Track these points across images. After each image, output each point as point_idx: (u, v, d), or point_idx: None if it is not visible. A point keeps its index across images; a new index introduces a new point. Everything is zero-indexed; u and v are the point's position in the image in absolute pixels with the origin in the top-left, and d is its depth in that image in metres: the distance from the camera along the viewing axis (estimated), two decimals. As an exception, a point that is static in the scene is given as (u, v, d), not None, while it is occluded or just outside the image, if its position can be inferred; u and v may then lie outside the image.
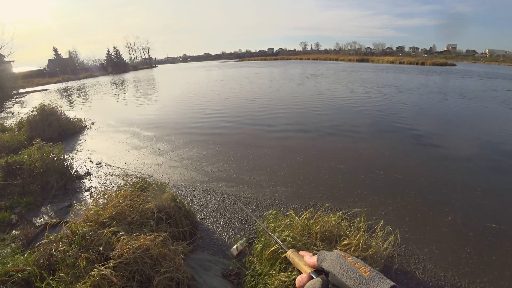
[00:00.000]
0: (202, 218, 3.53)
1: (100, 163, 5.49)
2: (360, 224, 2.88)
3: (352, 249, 2.42)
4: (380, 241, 2.66)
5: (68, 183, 4.54)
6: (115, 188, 3.26)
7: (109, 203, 2.68)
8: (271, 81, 20.80)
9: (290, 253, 0.68)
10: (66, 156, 5.19)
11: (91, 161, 5.62)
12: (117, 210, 2.55)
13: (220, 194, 4.11)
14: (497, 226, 3.26)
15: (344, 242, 2.47)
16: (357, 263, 0.49)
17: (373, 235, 2.83)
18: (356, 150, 5.77)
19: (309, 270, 0.57)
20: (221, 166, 5.14)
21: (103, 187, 4.39)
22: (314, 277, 0.54)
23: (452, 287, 2.45)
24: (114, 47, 64.18)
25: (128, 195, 2.87)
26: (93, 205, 2.73)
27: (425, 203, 3.76)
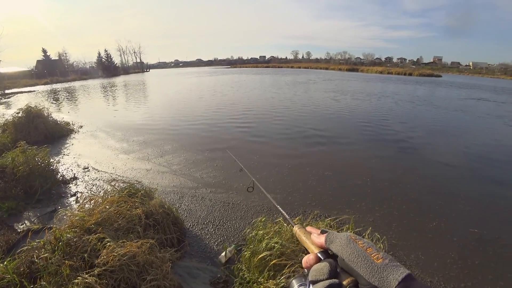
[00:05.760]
0: (190, 225, 3.50)
1: (87, 168, 5.39)
2: (349, 231, 2.91)
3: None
4: (368, 248, 2.69)
5: (53, 188, 4.43)
6: (102, 193, 3.20)
7: (96, 209, 2.63)
8: (263, 88, 20.95)
9: (296, 229, 0.64)
10: (52, 160, 5.08)
11: (78, 165, 5.51)
12: (104, 216, 2.51)
13: (209, 200, 4.09)
14: (480, 231, 3.37)
15: (333, 249, 2.49)
16: (369, 248, 0.45)
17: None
18: (343, 158, 5.86)
19: (316, 250, 0.53)
20: (210, 172, 5.12)
21: (89, 192, 4.30)
22: (322, 258, 0.50)
23: None
24: (105, 50, 63.63)
25: (115, 200, 2.83)
26: (78, 210, 2.67)
27: (410, 210, 3.84)
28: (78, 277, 1.87)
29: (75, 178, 4.89)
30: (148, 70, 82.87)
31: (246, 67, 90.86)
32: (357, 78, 34.46)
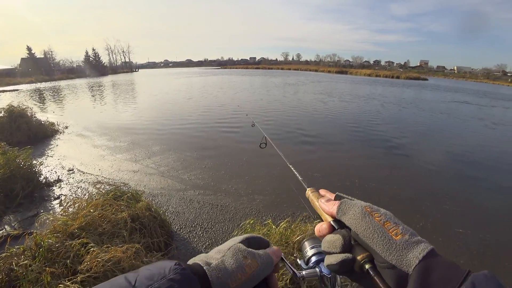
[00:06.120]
0: (178, 228, 3.45)
1: (72, 170, 5.25)
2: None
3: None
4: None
5: (35, 191, 4.29)
6: (86, 197, 3.12)
7: (80, 213, 2.55)
8: (253, 89, 20.96)
9: (309, 193, 0.59)
10: (34, 162, 4.91)
11: (63, 167, 5.36)
12: (88, 220, 2.44)
13: (197, 203, 4.05)
14: (464, 231, 3.46)
15: (321, 251, 2.50)
16: (387, 222, 0.40)
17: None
18: (332, 159, 5.92)
19: (330, 218, 0.48)
20: (199, 173, 5.07)
21: (74, 195, 4.19)
22: (336, 228, 0.46)
23: None
24: (93, 49, 62.65)
25: (100, 204, 2.76)
26: (61, 214, 2.59)
27: (398, 210, 3.87)
28: (60, 285, 1.81)
29: (59, 180, 4.76)
30: (137, 70, 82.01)
31: (236, 68, 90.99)
32: (346, 80, 34.95)
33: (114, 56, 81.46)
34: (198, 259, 0.42)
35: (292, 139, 7.33)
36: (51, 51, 57.91)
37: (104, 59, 70.71)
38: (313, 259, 0.56)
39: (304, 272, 0.53)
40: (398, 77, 47.58)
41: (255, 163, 5.55)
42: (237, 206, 3.97)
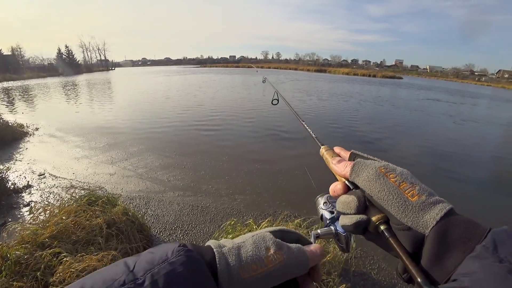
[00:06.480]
0: (157, 231, 3.38)
1: (43, 174, 4.99)
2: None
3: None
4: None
5: (2, 198, 4.03)
6: (59, 203, 2.98)
7: (51, 220, 2.44)
8: (233, 88, 20.86)
9: (323, 151, 0.58)
10: (1, 167, 4.65)
11: (33, 172, 5.08)
12: (60, 228, 2.34)
13: (177, 205, 3.98)
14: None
15: (302, 249, 2.53)
16: (403, 182, 0.38)
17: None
18: (312, 157, 6.00)
19: (343, 179, 0.46)
20: (178, 174, 4.99)
21: (45, 201, 3.98)
22: (351, 188, 0.44)
23: (404, 284, 2.64)
24: (66, 46, 59.98)
25: (73, 210, 2.65)
26: (31, 223, 2.46)
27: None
28: (29, 298, 1.73)
29: (28, 186, 4.51)
30: (113, 68, 79.39)
31: (216, 66, 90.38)
32: (325, 79, 35.60)
33: (89, 53, 78.47)
34: (212, 242, 0.38)
35: (273, 139, 7.39)
36: (20, 48, 54.72)
37: (78, 56, 67.85)
38: (328, 216, 0.55)
39: (319, 231, 0.52)
40: (374, 76, 49.22)
41: (235, 163, 5.54)
42: (218, 207, 3.94)
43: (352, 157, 0.48)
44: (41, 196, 4.20)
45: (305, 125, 0.79)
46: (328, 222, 0.54)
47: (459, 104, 17.36)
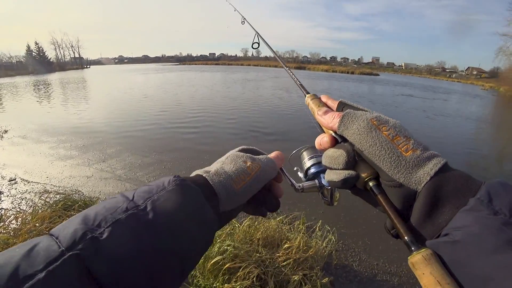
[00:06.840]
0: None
1: (14, 179, 4.76)
2: (300, 226, 3.05)
3: (294, 251, 2.54)
4: (320, 240, 2.87)
5: (-31, 205, 3.83)
6: (31, 210, 2.87)
7: (23, 228, 2.35)
8: (213, 86, 20.70)
9: (309, 100, 0.53)
10: (-34, 173, 4.38)
11: (2, 177, 4.83)
12: (33, 236, 2.26)
13: (158, 206, 3.93)
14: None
15: (286, 245, 2.58)
16: (397, 136, 0.36)
17: (313, 235, 3.02)
18: (290, 152, 6.10)
19: (331, 131, 0.42)
20: (158, 174, 4.92)
21: (17, 208, 3.81)
22: (339, 141, 0.41)
23: (384, 273, 2.78)
24: (36, 43, 57.06)
25: (48, 216, 2.57)
26: (1, 232, 2.36)
27: (356, 199, 4.12)
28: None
29: (-2, 192, 4.30)
30: (88, 66, 76.46)
31: (196, 64, 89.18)
32: (305, 76, 36.07)
33: (61, 51, 75.12)
34: (197, 171, 0.42)
35: (255, 137, 7.43)
36: (-16, 45, 51.41)
37: (50, 54, 64.75)
38: (312, 170, 0.53)
39: (303, 184, 0.51)
40: (353, 73, 50.59)
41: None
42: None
43: (340, 107, 0.46)
44: (12, 203, 4.00)
45: (290, 72, 0.75)
46: (311, 175, 0.53)
47: (431, 100, 18.19)
